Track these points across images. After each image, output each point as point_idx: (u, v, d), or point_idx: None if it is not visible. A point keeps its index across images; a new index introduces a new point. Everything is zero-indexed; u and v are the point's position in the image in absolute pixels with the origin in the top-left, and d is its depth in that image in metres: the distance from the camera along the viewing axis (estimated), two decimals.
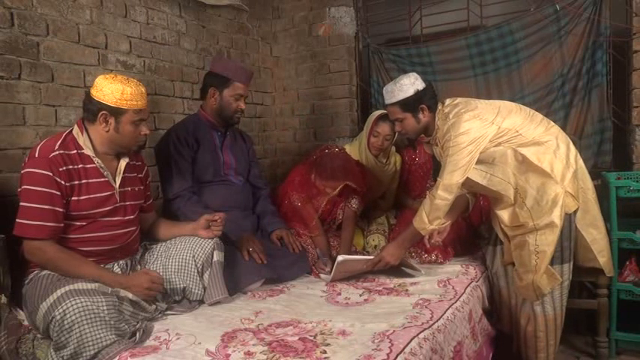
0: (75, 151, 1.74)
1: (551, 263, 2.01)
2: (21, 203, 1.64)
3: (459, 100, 2.14)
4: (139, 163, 1.99)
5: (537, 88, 2.96)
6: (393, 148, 2.93)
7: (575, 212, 2.05)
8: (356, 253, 2.57)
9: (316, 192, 2.56)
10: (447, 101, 2.15)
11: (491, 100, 2.18)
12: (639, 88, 2.67)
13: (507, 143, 2.02)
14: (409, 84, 2.10)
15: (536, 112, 2.15)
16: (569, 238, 2.04)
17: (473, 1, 3.06)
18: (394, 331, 1.56)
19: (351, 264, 2.17)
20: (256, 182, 2.60)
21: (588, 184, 2.13)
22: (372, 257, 2.20)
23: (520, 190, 2.03)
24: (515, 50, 2.97)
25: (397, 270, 2.23)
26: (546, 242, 1.98)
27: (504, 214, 2.11)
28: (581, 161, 2.11)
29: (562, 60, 2.88)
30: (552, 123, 2.13)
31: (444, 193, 2.02)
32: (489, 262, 2.30)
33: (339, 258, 2.13)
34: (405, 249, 2.25)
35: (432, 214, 2.05)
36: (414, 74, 2.15)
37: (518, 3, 3.02)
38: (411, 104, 2.10)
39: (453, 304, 1.87)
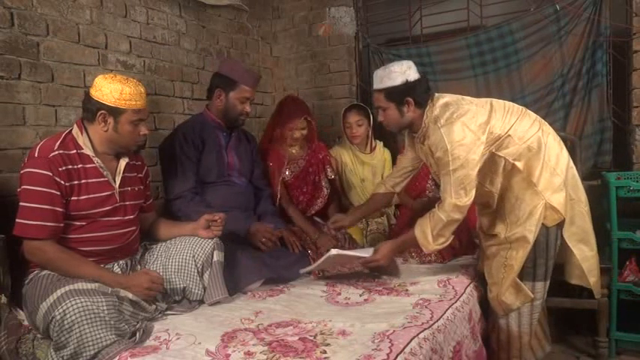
0: (74, 151, 1.74)
1: (522, 279, 1.93)
2: (21, 203, 1.64)
3: (447, 99, 1.98)
4: (139, 162, 1.99)
5: (537, 88, 2.96)
6: (381, 143, 3.05)
7: (558, 226, 1.94)
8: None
9: (282, 160, 2.69)
10: (436, 96, 2.00)
11: (482, 99, 2.03)
12: (639, 88, 2.67)
13: (496, 149, 1.92)
14: (399, 72, 1.93)
15: (529, 111, 2.03)
16: (546, 255, 1.93)
17: (473, 1, 3.06)
18: (394, 331, 1.56)
19: (343, 259, 2.14)
20: (258, 183, 2.58)
21: (581, 195, 1.99)
22: (364, 255, 2.12)
23: (504, 197, 1.97)
24: (515, 50, 2.97)
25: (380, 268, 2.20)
26: (515, 257, 1.91)
27: (485, 220, 2.07)
28: (573, 170, 2.00)
29: (562, 60, 2.88)
30: (546, 124, 2.03)
31: (456, 215, 1.90)
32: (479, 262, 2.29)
33: (333, 251, 2.07)
34: (400, 253, 2.22)
35: (439, 232, 1.94)
36: (408, 62, 1.98)
37: (519, 3, 3.02)
38: (396, 94, 1.94)
39: (453, 304, 1.86)
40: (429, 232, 1.95)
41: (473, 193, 1.89)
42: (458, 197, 1.88)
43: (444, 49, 3.16)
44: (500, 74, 3.05)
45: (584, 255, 1.98)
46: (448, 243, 1.99)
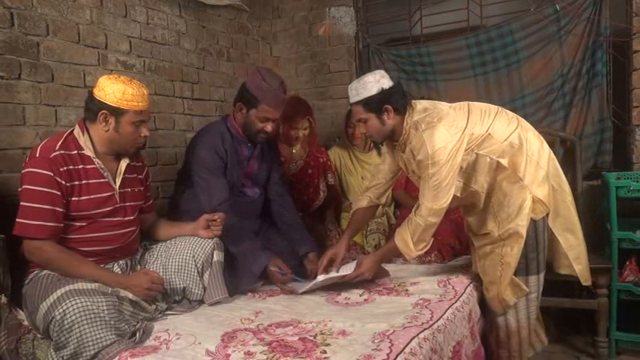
0: (75, 152, 1.74)
1: (515, 274, 1.95)
2: (21, 203, 1.64)
3: (425, 104, 2.01)
4: (140, 164, 1.99)
5: (537, 88, 2.97)
6: None
7: (545, 218, 1.96)
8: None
9: (286, 158, 2.67)
10: (413, 102, 2.01)
11: (458, 103, 2.04)
12: (639, 88, 2.67)
13: (478, 149, 1.93)
14: (373, 82, 1.94)
15: (505, 110, 2.05)
16: (536, 249, 1.95)
17: (473, 1, 3.06)
18: (394, 331, 1.56)
19: (332, 280, 2.08)
20: (277, 188, 2.47)
21: (564, 186, 2.02)
22: (349, 272, 2.06)
23: (491, 196, 1.96)
24: (515, 50, 2.97)
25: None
26: (511, 253, 1.92)
27: (473, 220, 2.06)
28: (555, 161, 2.03)
29: (562, 60, 2.88)
30: (524, 120, 2.04)
31: (433, 219, 1.91)
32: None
33: (320, 277, 2.06)
34: (382, 263, 2.17)
35: (419, 238, 1.95)
36: (381, 72, 2.00)
37: (519, 3, 3.02)
38: (374, 104, 1.94)
39: (453, 304, 1.86)
40: (410, 240, 1.96)
41: (449, 196, 1.91)
42: (434, 201, 1.89)
43: (444, 49, 3.16)
44: (500, 74, 3.06)
45: (570, 243, 2.01)
46: (429, 246, 2.01)
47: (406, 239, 1.97)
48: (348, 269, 2.10)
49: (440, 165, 1.86)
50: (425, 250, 2.01)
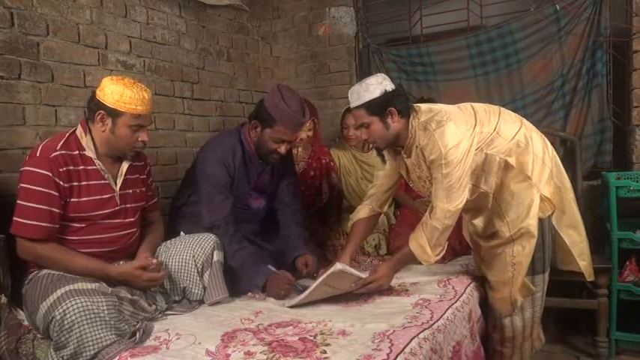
0: (77, 152, 1.73)
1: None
2: (18, 201, 1.64)
3: (430, 105, 1.99)
4: (141, 163, 1.97)
5: (537, 88, 2.97)
6: None
7: (550, 216, 1.95)
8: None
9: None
10: (416, 105, 1.97)
11: (461, 104, 2.02)
12: (639, 88, 2.67)
13: (487, 148, 1.91)
14: (376, 84, 1.88)
15: (507, 110, 2.04)
16: (542, 248, 1.95)
17: (473, 1, 3.07)
18: (394, 331, 1.56)
19: (344, 278, 1.91)
20: (285, 197, 2.38)
21: (566, 183, 2.01)
22: (362, 275, 1.95)
23: (498, 196, 1.94)
24: (515, 50, 2.98)
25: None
26: (523, 253, 1.90)
27: (478, 222, 2.02)
28: (557, 159, 2.02)
29: (562, 60, 2.88)
30: (525, 120, 2.04)
31: (449, 221, 1.86)
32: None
33: (338, 266, 1.87)
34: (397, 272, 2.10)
35: (437, 242, 1.89)
36: (382, 74, 1.95)
37: (518, 3, 3.02)
38: (377, 106, 1.88)
39: (453, 304, 1.86)
40: (427, 245, 1.89)
41: (465, 196, 1.88)
42: (450, 202, 1.85)
43: (444, 49, 3.16)
44: (500, 74, 3.06)
45: (573, 240, 2.01)
46: (445, 250, 1.96)
47: (423, 245, 1.89)
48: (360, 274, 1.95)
49: (453, 165, 1.82)
50: (442, 254, 1.94)
